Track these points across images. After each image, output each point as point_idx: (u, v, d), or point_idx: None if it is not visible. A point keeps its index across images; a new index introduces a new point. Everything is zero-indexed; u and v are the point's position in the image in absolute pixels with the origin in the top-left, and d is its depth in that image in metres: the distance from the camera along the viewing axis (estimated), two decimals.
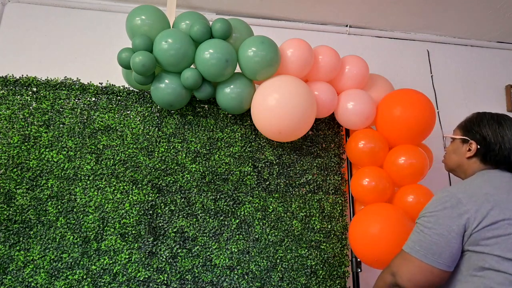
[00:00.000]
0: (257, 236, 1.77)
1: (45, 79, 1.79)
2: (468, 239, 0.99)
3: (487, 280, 0.96)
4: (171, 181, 1.78)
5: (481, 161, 1.16)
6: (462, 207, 1.00)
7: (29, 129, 1.73)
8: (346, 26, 2.62)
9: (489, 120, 1.16)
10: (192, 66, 1.72)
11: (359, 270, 1.82)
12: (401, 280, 1.06)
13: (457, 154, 1.24)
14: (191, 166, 1.80)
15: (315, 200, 1.86)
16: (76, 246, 1.65)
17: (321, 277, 1.77)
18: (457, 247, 1.00)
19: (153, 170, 1.77)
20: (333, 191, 1.89)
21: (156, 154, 1.79)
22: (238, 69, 1.78)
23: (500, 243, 0.95)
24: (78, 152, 1.75)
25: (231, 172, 1.83)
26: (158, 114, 1.85)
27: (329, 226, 1.84)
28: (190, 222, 1.74)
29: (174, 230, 1.72)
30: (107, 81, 1.85)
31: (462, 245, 1.01)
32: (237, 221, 1.78)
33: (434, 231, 1.02)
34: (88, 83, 1.82)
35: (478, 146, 1.16)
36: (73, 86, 1.80)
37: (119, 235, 1.68)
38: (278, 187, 1.85)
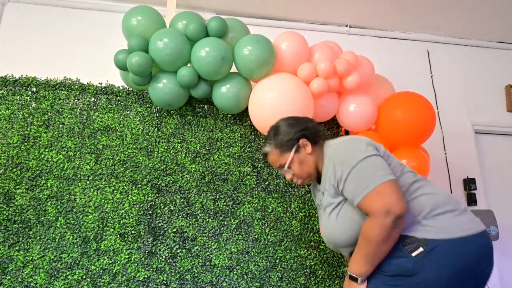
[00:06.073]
0: (256, 236, 1.77)
1: (45, 79, 1.79)
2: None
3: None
4: (171, 181, 1.78)
5: (314, 144, 1.33)
6: (369, 146, 1.21)
7: (28, 129, 1.73)
8: (346, 26, 2.62)
9: (286, 126, 1.35)
10: (189, 65, 1.72)
11: None
12: (396, 206, 1.08)
13: (304, 162, 1.33)
14: (190, 166, 1.80)
15: None
16: (75, 246, 1.65)
17: (320, 277, 1.77)
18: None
19: (153, 170, 1.77)
20: None
21: (155, 154, 1.79)
22: (234, 69, 1.77)
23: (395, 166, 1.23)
24: (78, 152, 1.75)
25: (231, 172, 1.83)
26: (157, 114, 1.85)
27: None
28: (190, 222, 1.75)
29: (174, 230, 1.72)
30: (107, 81, 1.85)
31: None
32: (237, 221, 1.78)
33: (373, 160, 1.18)
34: (87, 83, 1.82)
35: (304, 141, 1.31)
36: (72, 86, 1.80)
37: (118, 235, 1.68)
38: (278, 187, 1.85)
